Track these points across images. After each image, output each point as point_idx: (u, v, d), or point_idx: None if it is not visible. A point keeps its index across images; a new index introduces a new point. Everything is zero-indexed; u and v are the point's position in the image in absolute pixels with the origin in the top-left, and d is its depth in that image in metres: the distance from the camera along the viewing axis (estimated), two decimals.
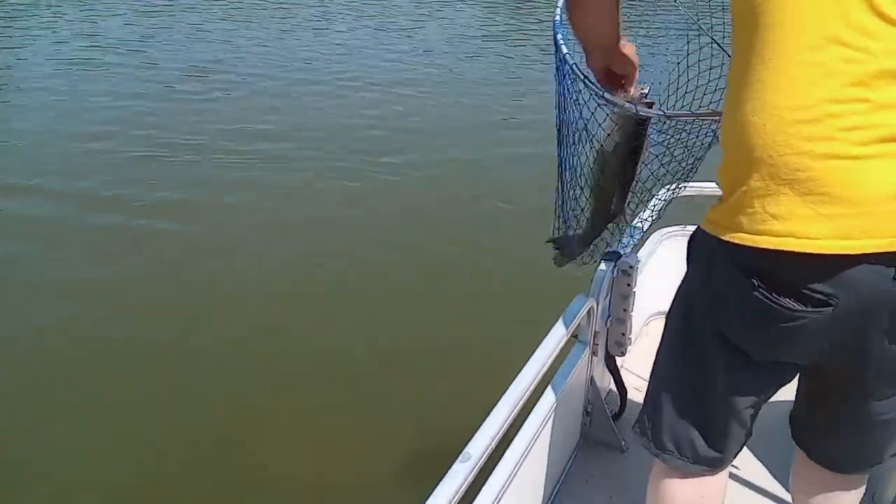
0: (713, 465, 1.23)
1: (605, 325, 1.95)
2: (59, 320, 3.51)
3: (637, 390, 2.21)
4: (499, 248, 4.35)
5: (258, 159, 5.67)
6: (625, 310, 1.95)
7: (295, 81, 7.82)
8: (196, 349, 3.33)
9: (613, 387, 2.12)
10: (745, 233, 0.98)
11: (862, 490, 1.36)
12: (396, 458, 2.66)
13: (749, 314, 1.04)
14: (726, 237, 1.00)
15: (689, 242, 1.17)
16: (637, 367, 2.36)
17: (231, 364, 3.25)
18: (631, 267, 1.89)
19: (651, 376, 1.27)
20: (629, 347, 2.33)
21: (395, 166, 5.71)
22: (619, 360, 2.10)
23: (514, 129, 6.63)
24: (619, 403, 2.09)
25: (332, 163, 5.65)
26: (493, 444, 1.27)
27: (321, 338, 3.47)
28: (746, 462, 1.95)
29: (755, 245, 0.96)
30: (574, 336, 1.86)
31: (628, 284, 1.92)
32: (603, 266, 1.87)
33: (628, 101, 1.29)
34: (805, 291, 0.97)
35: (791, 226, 0.93)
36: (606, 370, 2.05)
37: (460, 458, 1.21)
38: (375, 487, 2.54)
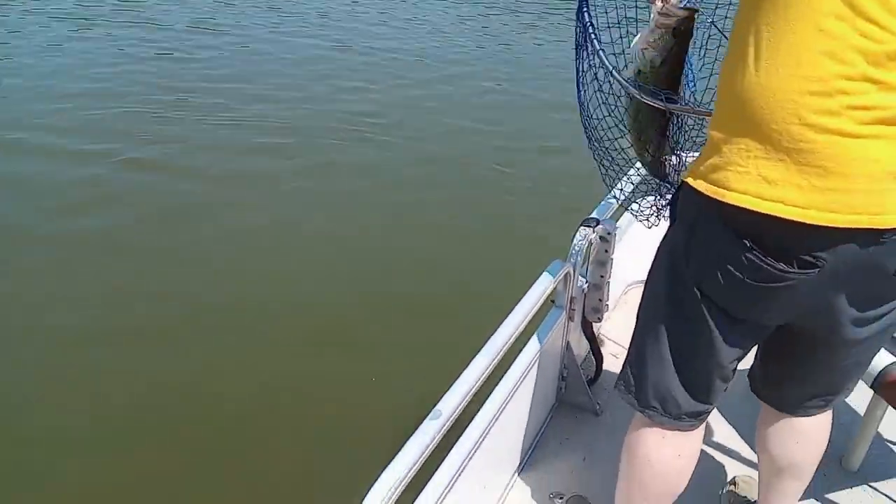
0: (694, 419, 1.26)
1: (583, 291, 1.97)
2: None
3: (614, 357, 2.24)
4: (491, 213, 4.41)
5: (254, 119, 5.72)
6: (602, 276, 1.97)
7: (299, 46, 7.78)
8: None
9: (590, 353, 2.15)
10: (734, 191, 0.99)
11: (822, 444, 1.42)
12: (373, 415, 2.68)
13: (736, 274, 1.05)
14: (713, 193, 1.01)
15: (673, 198, 1.18)
16: (615, 334, 2.39)
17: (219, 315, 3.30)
18: (609, 233, 1.91)
19: (634, 334, 1.28)
20: (607, 315, 2.36)
21: (390, 131, 5.75)
22: (596, 327, 2.13)
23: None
24: (594, 369, 2.12)
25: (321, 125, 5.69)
26: (463, 402, 1.29)
27: (297, 292, 3.54)
28: (720, 424, 2.00)
29: (742, 205, 0.97)
30: (552, 301, 1.89)
31: (606, 251, 1.93)
32: (581, 232, 1.88)
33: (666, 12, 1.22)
34: (792, 254, 1.00)
35: (782, 192, 0.95)
36: (583, 336, 2.08)
37: (430, 415, 1.23)
38: (349, 444, 2.56)
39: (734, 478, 1.75)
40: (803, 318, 1.13)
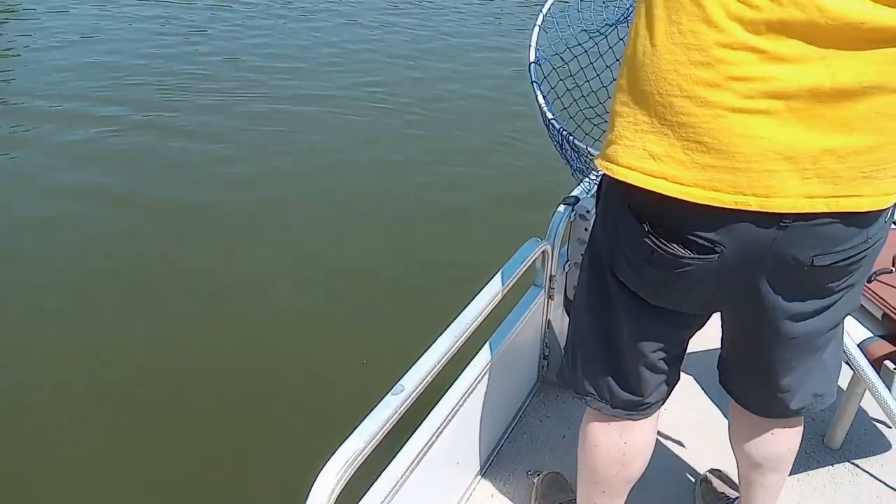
0: (633, 409, 1.22)
1: (563, 270, 1.96)
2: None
3: None
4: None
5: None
6: (582, 255, 1.95)
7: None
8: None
9: None
10: (619, 165, 0.95)
11: (797, 435, 1.36)
12: (346, 389, 2.71)
13: (638, 258, 1.02)
14: (605, 168, 0.98)
15: (598, 186, 1.15)
16: None
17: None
18: (588, 211, 1.89)
19: (570, 319, 1.28)
20: None
21: (392, 99, 5.85)
22: None
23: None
24: None
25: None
26: (428, 378, 1.30)
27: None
28: (697, 412, 2.00)
29: (626, 180, 0.94)
30: (532, 280, 1.89)
31: (586, 229, 1.92)
32: (560, 210, 1.87)
33: None
34: (690, 237, 0.95)
35: (665, 168, 0.91)
36: (566, 315, 2.07)
37: (393, 390, 1.24)
38: (315, 419, 2.59)
39: (707, 472, 1.73)
40: (735, 309, 1.09)
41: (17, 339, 3.00)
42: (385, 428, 1.17)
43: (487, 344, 1.69)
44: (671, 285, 1.03)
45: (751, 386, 1.25)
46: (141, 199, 4.19)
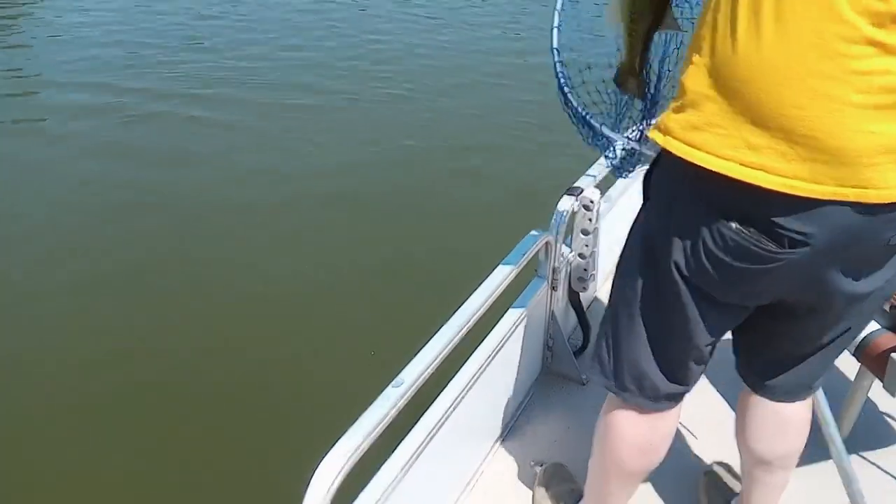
0: (671, 401, 1.22)
1: (567, 261, 1.95)
2: None
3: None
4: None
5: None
6: (587, 246, 1.95)
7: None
8: None
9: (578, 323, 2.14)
10: (715, 155, 0.90)
11: (807, 430, 1.36)
12: (348, 382, 2.69)
13: (720, 256, 0.97)
14: (690, 156, 0.92)
15: (646, 174, 1.10)
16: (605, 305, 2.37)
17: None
18: (592, 202, 1.88)
19: (608, 315, 1.21)
20: (598, 286, 2.35)
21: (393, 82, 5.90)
22: (584, 298, 2.12)
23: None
24: (582, 339, 2.11)
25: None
26: (428, 370, 1.30)
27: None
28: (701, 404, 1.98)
29: (723, 172, 0.89)
30: (536, 272, 1.88)
31: (590, 220, 1.91)
32: (564, 201, 1.86)
33: None
34: (781, 231, 0.92)
35: (764, 159, 0.88)
36: (571, 306, 2.07)
37: (393, 383, 1.24)
38: (317, 411, 2.58)
39: (713, 465, 1.72)
40: (793, 295, 1.06)
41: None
42: (385, 421, 1.17)
43: (490, 336, 1.68)
44: (752, 281, 1.00)
45: (780, 370, 1.24)
46: (144, 186, 4.23)
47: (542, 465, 1.75)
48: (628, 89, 1.39)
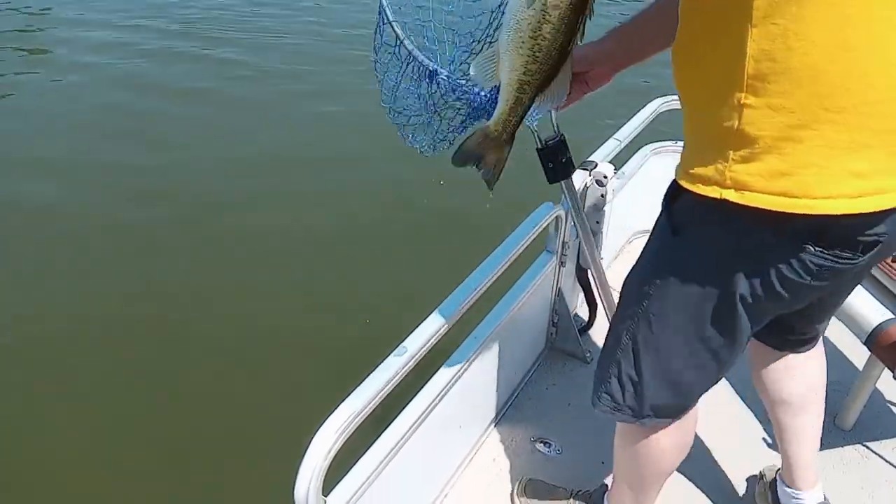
0: (688, 411, 1.19)
1: (577, 236, 1.92)
2: None
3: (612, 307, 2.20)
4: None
5: None
6: (598, 222, 1.91)
7: None
8: None
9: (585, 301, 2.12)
10: (815, 198, 0.82)
11: (821, 360, 1.41)
12: (352, 352, 2.66)
13: (796, 279, 0.92)
14: (789, 207, 0.83)
15: (677, 206, 1.00)
16: (615, 283, 2.34)
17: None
18: (605, 177, 1.84)
19: (639, 342, 1.10)
20: (607, 263, 2.32)
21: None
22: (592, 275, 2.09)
23: None
24: (588, 316, 2.08)
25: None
26: (432, 340, 1.28)
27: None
28: None
29: (829, 212, 0.83)
30: (545, 246, 1.85)
31: (602, 195, 1.87)
32: (577, 175, 1.82)
33: None
34: (860, 239, 0.89)
35: (873, 183, 0.83)
36: (578, 283, 2.04)
37: (395, 351, 1.22)
38: (319, 380, 2.56)
39: (762, 470, 1.64)
40: (839, 287, 1.10)
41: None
42: (386, 389, 1.16)
43: (495, 308, 1.66)
44: (820, 289, 0.97)
45: (799, 331, 1.28)
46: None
47: (543, 443, 1.74)
48: (487, 162, 1.11)
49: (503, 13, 0.97)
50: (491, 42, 1.16)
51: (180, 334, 2.84)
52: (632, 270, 1.13)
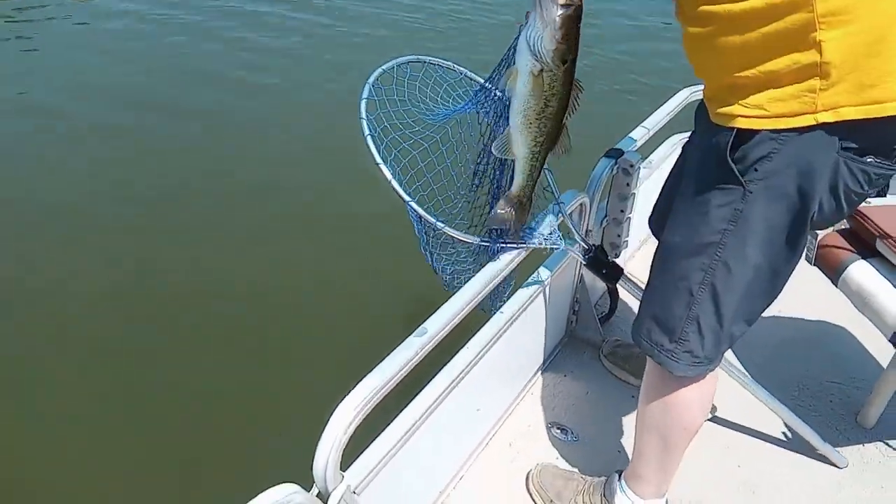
0: None
1: (601, 224, 1.91)
2: None
3: (633, 297, 2.19)
4: None
5: None
6: (622, 211, 1.90)
7: None
8: None
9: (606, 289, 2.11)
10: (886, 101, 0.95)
11: None
12: (375, 333, 2.64)
13: (860, 191, 1.05)
14: (874, 113, 0.96)
15: (734, 151, 1.06)
16: (638, 273, 2.33)
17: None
18: (632, 166, 1.83)
19: (718, 289, 1.14)
20: (631, 253, 2.31)
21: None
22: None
23: None
24: (608, 306, 2.08)
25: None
26: (453, 322, 1.28)
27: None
28: None
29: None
30: (568, 233, 1.84)
31: (628, 184, 1.86)
32: (602, 163, 1.81)
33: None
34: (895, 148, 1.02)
35: None
36: None
37: (416, 332, 1.23)
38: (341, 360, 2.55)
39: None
40: None
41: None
42: (406, 367, 1.17)
43: (516, 294, 1.66)
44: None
45: None
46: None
47: (560, 429, 1.75)
48: (517, 219, 1.35)
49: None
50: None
51: (197, 311, 2.86)
52: (676, 229, 1.19)
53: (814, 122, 0.98)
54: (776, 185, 1.05)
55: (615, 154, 1.83)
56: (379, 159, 1.24)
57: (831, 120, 0.97)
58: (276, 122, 4.48)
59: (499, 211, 1.34)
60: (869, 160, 1.02)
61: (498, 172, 1.43)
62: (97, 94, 4.73)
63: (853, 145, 1.01)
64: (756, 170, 1.05)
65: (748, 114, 1.02)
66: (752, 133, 1.02)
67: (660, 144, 2.33)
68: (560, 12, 1.07)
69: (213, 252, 3.22)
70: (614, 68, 5.19)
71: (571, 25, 1.09)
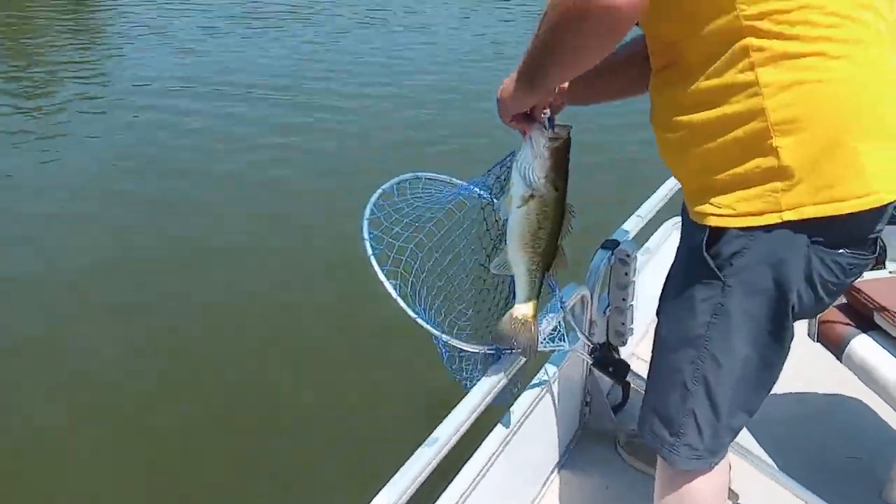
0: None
1: (604, 314, 1.94)
2: None
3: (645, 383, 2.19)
4: None
5: None
6: (624, 300, 1.93)
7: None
8: None
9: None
10: (856, 198, 1.00)
11: None
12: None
13: (837, 281, 1.09)
14: (833, 211, 1.00)
15: (707, 250, 1.11)
16: (647, 359, 2.34)
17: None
18: (628, 255, 1.88)
19: (710, 381, 1.16)
20: (637, 340, 2.32)
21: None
22: (624, 352, 2.09)
23: None
24: (622, 395, 2.07)
25: None
26: (463, 427, 1.30)
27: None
28: None
29: (869, 206, 1.00)
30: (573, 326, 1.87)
31: (626, 274, 1.90)
32: (599, 255, 1.86)
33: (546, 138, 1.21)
34: (872, 236, 1.09)
35: (881, 182, 1.00)
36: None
37: (426, 442, 1.24)
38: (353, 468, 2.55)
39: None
40: None
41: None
42: (418, 480, 1.18)
43: (526, 391, 1.67)
44: (844, 289, 1.14)
45: None
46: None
47: None
48: (526, 337, 1.36)
49: None
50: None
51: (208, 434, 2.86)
52: (666, 323, 1.24)
53: (779, 221, 1.03)
54: (752, 280, 1.09)
55: (611, 245, 1.88)
56: (382, 277, 1.30)
57: (795, 218, 1.02)
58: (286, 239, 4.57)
59: (504, 330, 1.37)
60: (841, 251, 1.07)
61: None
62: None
63: (822, 239, 1.05)
64: (731, 265, 1.09)
65: (718, 213, 1.07)
66: (723, 231, 1.08)
67: (656, 229, 2.39)
68: (549, 145, 1.18)
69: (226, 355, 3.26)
70: (607, 157, 5.35)
71: (560, 156, 1.20)
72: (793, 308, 1.10)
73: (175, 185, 4.94)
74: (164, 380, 3.04)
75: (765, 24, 0.96)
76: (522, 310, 1.35)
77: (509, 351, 1.44)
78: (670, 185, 2.28)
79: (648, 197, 2.19)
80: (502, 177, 1.44)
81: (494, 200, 1.45)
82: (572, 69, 1.06)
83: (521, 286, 1.34)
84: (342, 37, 9.41)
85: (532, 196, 1.22)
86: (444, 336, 1.36)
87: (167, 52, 8.46)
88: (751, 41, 0.98)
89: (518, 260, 1.30)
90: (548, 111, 1.21)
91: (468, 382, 1.55)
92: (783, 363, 1.18)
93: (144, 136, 5.91)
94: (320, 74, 7.67)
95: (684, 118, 1.08)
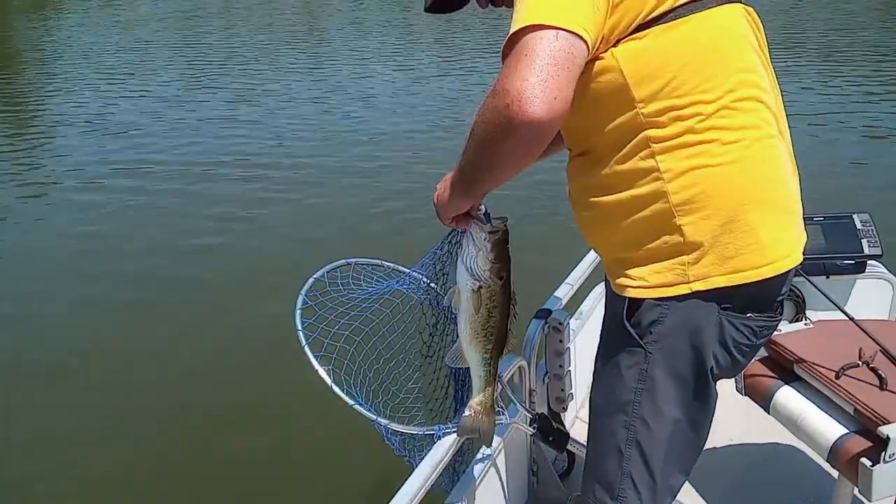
0: None
1: (543, 382, 1.98)
2: None
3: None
4: None
5: None
6: (561, 366, 1.98)
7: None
8: None
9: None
10: (760, 266, 1.10)
11: None
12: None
13: (749, 343, 1.18)
14: (741, 280, 1.09)
15: (628, 320, 1.17)
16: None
17: None
18: (561, 323, 1.93)
19: (643, 444, 1.19)
20: (581, 404, 2.36)
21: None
22: (566, 418, 2.12)
23: None
24: (567, 461, 2.10)
25: None
26: None
27: None
28: None
29: (770, 274, 1.10)
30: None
31: (560, 341, 1.95)
32: (533, 325, 1.91)
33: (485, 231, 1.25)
34: (777, 300, 1.18)
35: (790, 245, 1.13)
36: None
37: None
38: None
39: None
40: None
41: None
42: None
43: (472, 465, 1.68)
44: (757, 350, 1.23)
45: None
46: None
47: None
48: (486, 424, 1.41)
49: None
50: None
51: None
52: (598, 390, 1.28)
53: (689, 291, 1.11)
54: (671, 346, 1.15)
55: (544, 314, 1.94)
56: (317, 366, 1.31)
57: (703, 288, 1.10)
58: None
59: (468, 424, 1.41)
60: (750, 315, 1.16)
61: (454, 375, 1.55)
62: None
63: (731, 305, 1.13)
64: (651, 332, 1.16)
65: (635, 284, 1.15)
66: (641, 301, 1.15)
67: (588, 294, 2.46)
68: (489, 238, 1.23)
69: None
70: (537, 228, 5.47)
71: (501, 247, 1.25)
72: (711, 370, 1.17)
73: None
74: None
75: (661, 119, 1.07)
76: (481, 398, 1.40)
77: (446, 431, 1.46)
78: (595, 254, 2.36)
79: (577, 263, 2.27)
80: (443, 266, 1.52)
81: (437, 290, 1.50)
82: (506, 176, 1.11)
83: (477, 375, 1.38)
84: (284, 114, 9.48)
85: (480, 287, 1.27)
86: (383, 420, 1.37)
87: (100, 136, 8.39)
88: (650, 133, 1.08)
89: (472, 350, 1.34)
90: (482, 207, 1.27)
91: (413, 459, 1.56)
92: (710, 422, 1.23)
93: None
94: (259, 152, 7.70)
95: (598, 199, 1.16)
